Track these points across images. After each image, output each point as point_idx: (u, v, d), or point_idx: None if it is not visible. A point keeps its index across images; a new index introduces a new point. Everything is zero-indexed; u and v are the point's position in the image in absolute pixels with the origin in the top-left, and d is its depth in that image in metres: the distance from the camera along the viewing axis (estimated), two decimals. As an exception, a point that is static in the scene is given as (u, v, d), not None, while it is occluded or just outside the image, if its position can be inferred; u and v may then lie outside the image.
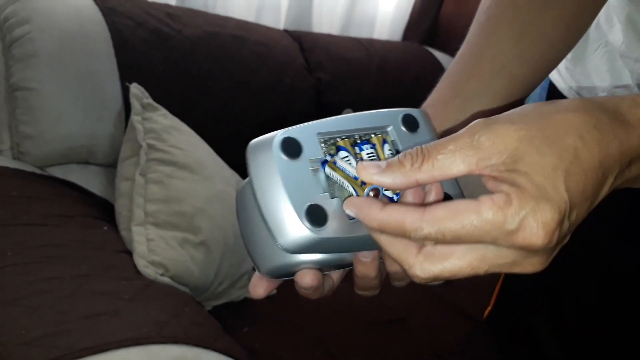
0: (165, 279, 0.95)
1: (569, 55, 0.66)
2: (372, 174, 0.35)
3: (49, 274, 0.83)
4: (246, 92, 1.40)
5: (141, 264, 0.93)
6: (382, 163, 0.35)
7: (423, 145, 0.34)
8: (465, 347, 1.17)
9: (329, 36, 1.72)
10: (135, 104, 1.14)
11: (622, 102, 0.35)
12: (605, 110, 0.34)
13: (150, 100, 1.17)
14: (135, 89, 1.16)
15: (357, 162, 0.39)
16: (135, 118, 1.13)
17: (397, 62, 1.74)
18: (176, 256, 0.97)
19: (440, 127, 0.47)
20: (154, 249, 0.96)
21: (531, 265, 0.33)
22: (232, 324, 0.99)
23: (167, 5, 1.42)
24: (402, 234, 0.33)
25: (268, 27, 1.58)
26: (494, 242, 0.31)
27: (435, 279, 0.33)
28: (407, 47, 1.89)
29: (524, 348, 0.74)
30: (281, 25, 1.74)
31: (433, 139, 0.42)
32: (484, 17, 0.50)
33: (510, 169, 0.32)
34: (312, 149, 0.39)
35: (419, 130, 0.43)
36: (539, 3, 0.48)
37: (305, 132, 0.39)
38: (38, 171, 1.14)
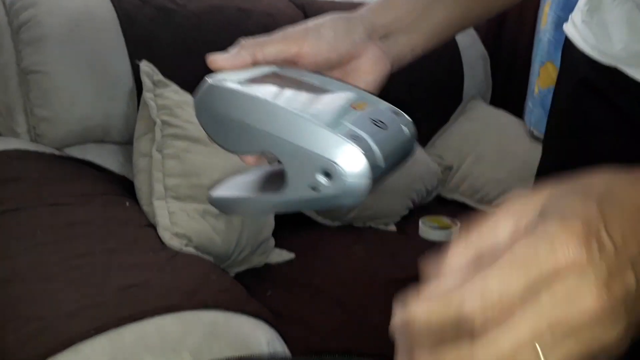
0: (190, 249, 0.98)
1: (584, 8, 0.64)
2: None
3: (78, 250, 0.87)
4: (253, 63, 1.41)
5: (166, 236, 0.97)
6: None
7: None
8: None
9: (333, 3, 1.71)
10: (146, 81, 1.16)
11: None
12: None
13: (160, 77, 1.18)
14: (145, 66, 1.18)
15: None
16: (147, 95, 1.15)
17: (400, 24, 1.74)
18: (199, 227, 1.00)
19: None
20: (177, 221, 0.99)
21: (586, 295, 0.23)
22: (255, 288, 1.02)
23: (170, -20, 1.42)
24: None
25: (271, -4, 1.58)
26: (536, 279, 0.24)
27: None
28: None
29: None
30: (283, -6, 1.73)
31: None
32: None
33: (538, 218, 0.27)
34: None
35: None
36: None
37: None
38: (57, 152, 1.17)
